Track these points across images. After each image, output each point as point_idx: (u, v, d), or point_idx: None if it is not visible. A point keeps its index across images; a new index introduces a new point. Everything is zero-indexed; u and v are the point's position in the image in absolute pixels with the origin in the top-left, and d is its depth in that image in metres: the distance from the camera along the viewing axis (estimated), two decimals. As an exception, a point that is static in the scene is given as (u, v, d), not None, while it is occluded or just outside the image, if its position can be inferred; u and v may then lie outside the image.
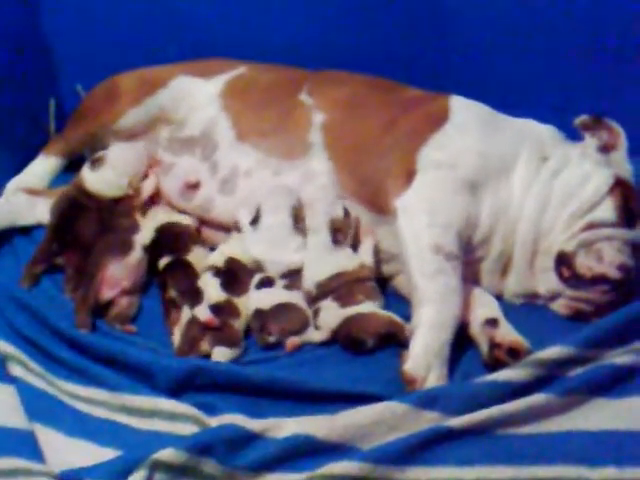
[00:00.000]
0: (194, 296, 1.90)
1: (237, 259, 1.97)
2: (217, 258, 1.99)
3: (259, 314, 1.87)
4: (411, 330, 1.76)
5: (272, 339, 1.84)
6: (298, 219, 2.00)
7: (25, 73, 2.46)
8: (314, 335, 1.84)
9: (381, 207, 1.94)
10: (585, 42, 2.32)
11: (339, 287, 1.87)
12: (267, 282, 1.92)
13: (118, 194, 2.13)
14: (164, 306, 1.95)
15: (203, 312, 1.85)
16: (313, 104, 2.12)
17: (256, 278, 1.94)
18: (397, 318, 1.82)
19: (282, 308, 1.86)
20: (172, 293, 1.94)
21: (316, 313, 1.88)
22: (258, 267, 1.96)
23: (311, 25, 2.45)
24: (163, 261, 2.01)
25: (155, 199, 2.18)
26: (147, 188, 2.16)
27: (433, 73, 2.36)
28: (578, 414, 1.59)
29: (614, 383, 1.63)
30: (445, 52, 2.40)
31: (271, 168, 2.08)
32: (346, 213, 1.97)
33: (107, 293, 1.94)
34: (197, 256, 2.02)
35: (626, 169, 1.95)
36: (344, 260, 1.92)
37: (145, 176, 2.19)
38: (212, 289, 1.91)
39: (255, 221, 2.01)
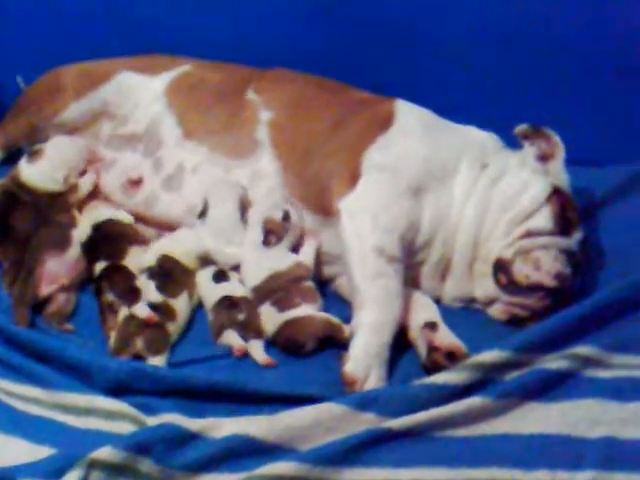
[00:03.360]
0: (133, 296, 1.88)
1: (170, 256, 1.96)
2: (150, 258, 1.97)
3: (225, 300, 1.86)
4: (351, 331, 1.77)
5: (241, 317, 1.85)
6: (245, 211, 2.00)
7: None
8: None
9: (325, 209, 1.95)
10: (530, 53, 2.36)
11: (276, 290, 1.87)
12: (222, 276, 1.93)
13: (54, 188, 2.09)
14: (101, 312, 1.91)
15: (141, 309, 1.83)
16: (260, 102, 2.11)
17: (210, 271, 1.94)
18: (335, 319, 1.83)
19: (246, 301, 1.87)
20: (109, 297, 1.90)
21: (257, 316, 1.89)
22: (206, 261, 1.95)
23: (257, 23, 2.44)
24: (99, 266, 1.96)
25: (93, 194, 2.14)
26: (86, 185, 2.13)
27: (379, 76, 2.36)
28: (513, 417, 1.61)
29: (547, 388, 1.66)
30: (391, 56, 2.41)
31: (220, 166, 2.06)
32: (286, 217, 1.96)
33: (45, 289, 1.91)
34: (134, 257, 1.99)
35: (563, 178, 1.98)
36: (276, 261, 1.91)
37: (84, 172, 2.16)
38: (149, 290, 1.89)
39: (203, 214, 2.00)
